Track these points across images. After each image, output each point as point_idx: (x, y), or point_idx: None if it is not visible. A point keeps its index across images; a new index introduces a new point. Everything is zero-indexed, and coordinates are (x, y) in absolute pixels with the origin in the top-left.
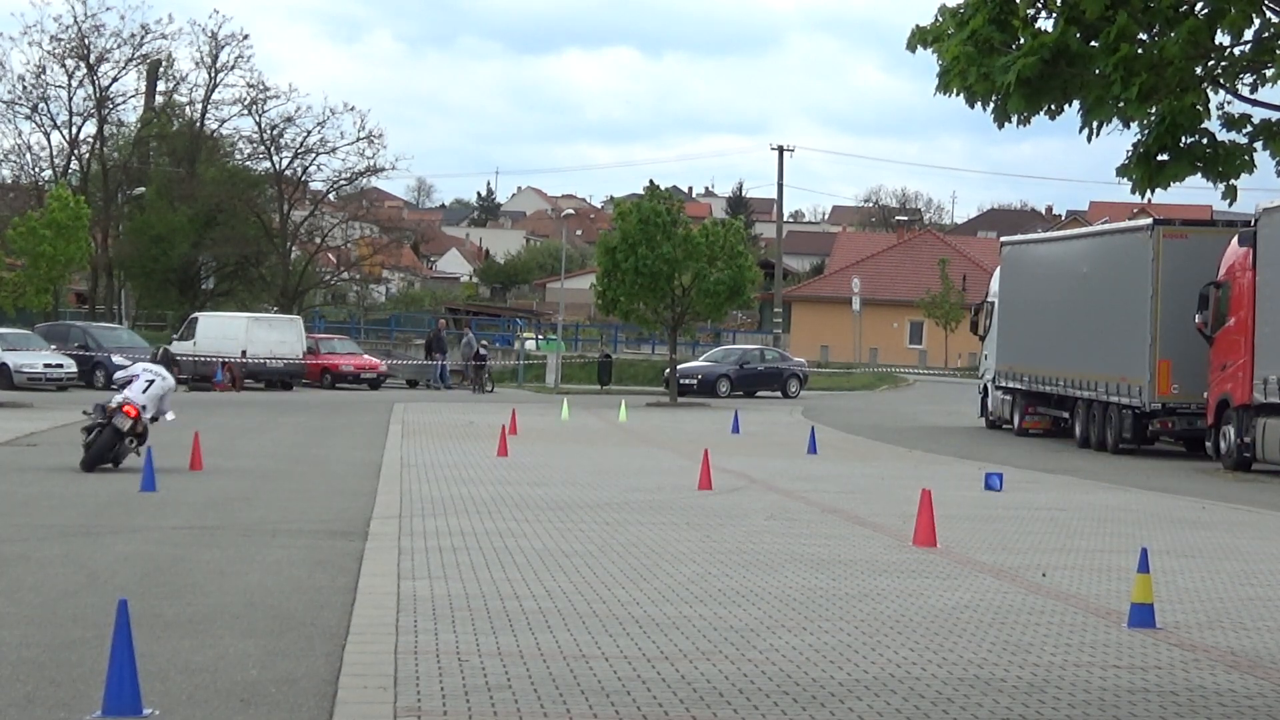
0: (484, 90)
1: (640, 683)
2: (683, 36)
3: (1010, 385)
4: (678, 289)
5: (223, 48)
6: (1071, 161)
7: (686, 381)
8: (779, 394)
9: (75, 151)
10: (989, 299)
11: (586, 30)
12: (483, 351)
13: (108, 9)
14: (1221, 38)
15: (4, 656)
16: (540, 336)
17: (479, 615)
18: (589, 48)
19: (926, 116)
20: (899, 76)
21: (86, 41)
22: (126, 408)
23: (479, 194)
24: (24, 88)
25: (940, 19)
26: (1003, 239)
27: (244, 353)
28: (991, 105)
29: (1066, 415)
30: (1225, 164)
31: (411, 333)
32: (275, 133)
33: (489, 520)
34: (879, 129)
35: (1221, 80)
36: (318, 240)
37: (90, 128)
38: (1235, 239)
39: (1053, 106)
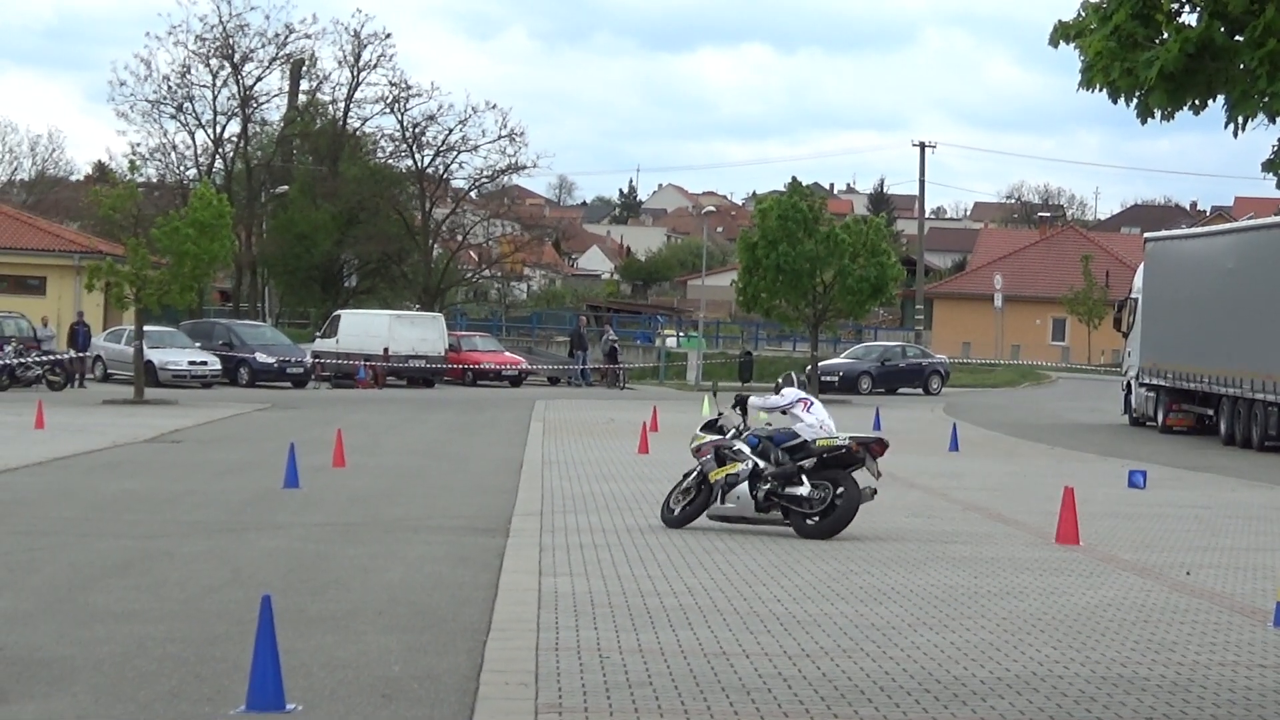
0: (618, 87)
1: (781, 680)
2: (815, 32)
3: (1154, 382)
4: (819, 286)
5: (365, 47)
6: (1210, 157)
7: (827, 379)
8: (920, 391)
9: (219, 150)
10: (1133, 295)
11: (719, 27)
12: (615, 347)
13: (252, 9)
14: None
15: (150, 651)
16: (681, 334)
17: (619, 612)
18: (722, 44)
19: (1062, 112)
20: (1033, 71)
21: (231, 41)
22: (880, 447)
23: (620, 191)
24: (169, 87)
25: (1083, 14)
26: (1147, 235)
27: (386, 350)
28: (1135, 101)
29: (1211, 412)
30: None
31: (553, 330)
32: (417, 131)
33: (629, 517)
34: (1014, 124)
35: None
36: (459, 238)
37: (234, 127)
38: None
39: (1196, 102)
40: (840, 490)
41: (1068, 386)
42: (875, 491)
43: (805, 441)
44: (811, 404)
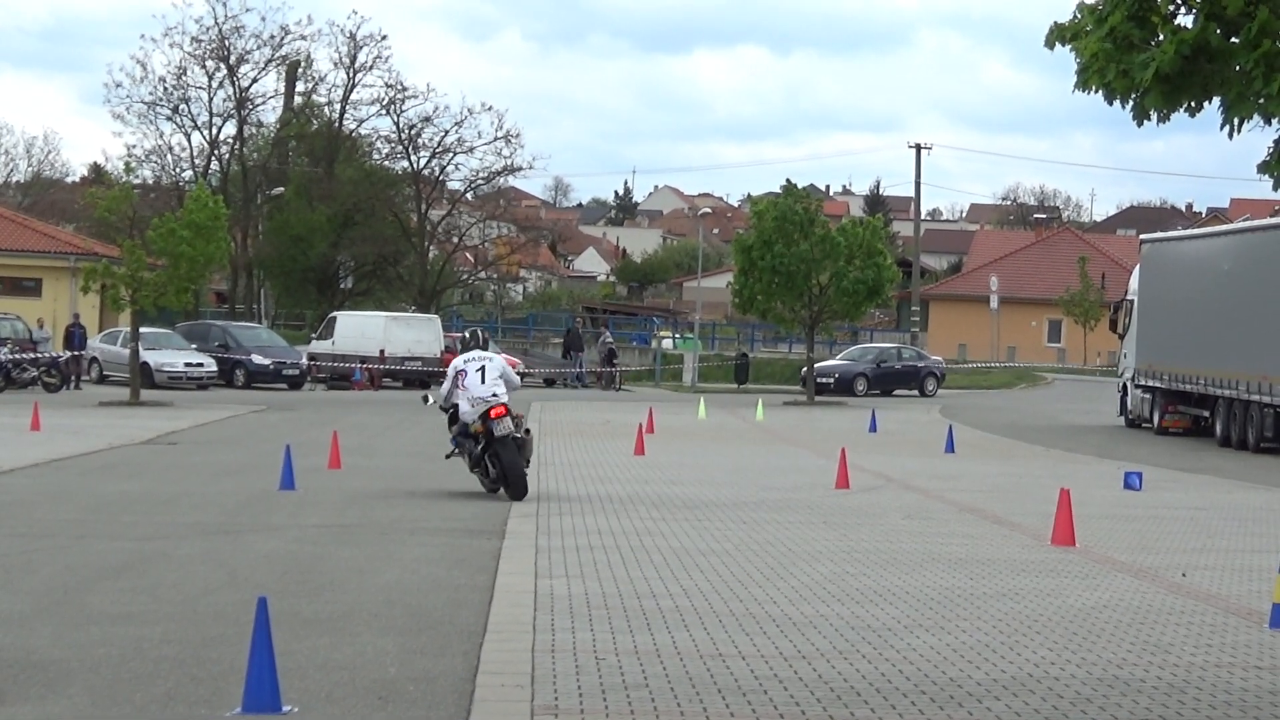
0: (613, 89)
1: (777, 682)
2: (810, 34)
3: (1150, 384)
4: (815, 288)
5: (361, 48)
6: (1205, 158)
7: (823, 380)
8: (916, 392)
9: (215, 152)
10: (1128, 297)
11: (714, 28)
12: (613, 349)
13: (248, 10)
14: None
15: (146, 653)
16: (677, 335)
17: (616, 614)
18: (717, 46)
19: (1057, 113)
20: (1028, 73)
21: (227, 43)
22: (495, 410)
23: (616, 193)
24: (165, 89)
25: (1078, 16)
26: (1143, 236)
27: (382, 352)
28: (1131, 102)
29: (1207, 414)
30: None
31: (549, 332)
32: (413, 132)
33: (626, 519)
34: (1009, 126)
35: None
36: (455, 239)
37: (230, 128)
38: None
39: (1192, 103)
40: (502, 462)
41: (1063, 388)
42: (528, 430)
43: (463, 422)
44: (466, 376)
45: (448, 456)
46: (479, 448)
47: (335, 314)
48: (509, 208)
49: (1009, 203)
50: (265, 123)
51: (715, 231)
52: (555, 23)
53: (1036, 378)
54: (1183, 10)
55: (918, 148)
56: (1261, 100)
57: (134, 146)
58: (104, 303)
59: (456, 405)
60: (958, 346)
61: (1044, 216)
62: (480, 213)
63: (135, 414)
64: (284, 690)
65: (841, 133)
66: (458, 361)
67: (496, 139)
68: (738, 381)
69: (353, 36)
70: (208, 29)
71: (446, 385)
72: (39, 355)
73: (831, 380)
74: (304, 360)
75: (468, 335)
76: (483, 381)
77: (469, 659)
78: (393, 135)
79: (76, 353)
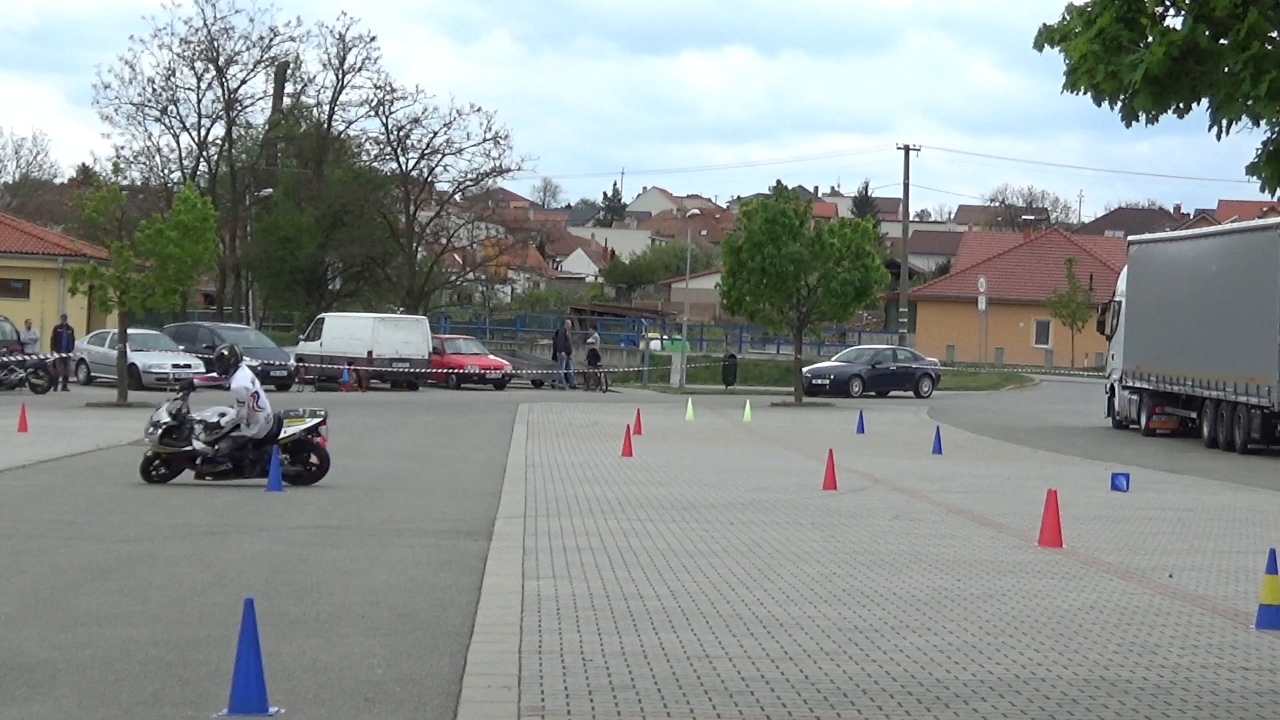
0: (601, 90)
1: (764, 683)
2: (798, 35)
3: (1137, 385)
4: (803, 289)
5: (350, 50)
6: (1191, 159)
7: (819, 382)
8: (911, 394)
9: (204, 153)
10: (1116, 298)
11: (701, 29)
12: (595, 350)
13: (237, 11)
14: None
15: (133, 655)
16: (665, 337)
17: (603, 615)
18: (704, 47)
19: (1044, 115)
20: (1014, 74)
21: (215, 44)
22: (323, 422)
23: (604, 194)
24: (154, 90)
25: (1067, 17)
26: (1130, 238)
27: (370, 353)
28: (1119, 104)
29: (1194, 415)
30: None
31: (537, 333)
32: (402, 134)
33: (613, 520)
34: (995, 127)
35: None
36: (444, 241)
37: (219, 130)
38: None
39: (1181, 105)
40: (308, 459)
41: (1051, 389)
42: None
43: (254, 437)
44: (260, 398)
45: (222, 474)
46: (263, 449)
47: (323, 315)
48: (497, 209)
49: (997, 204)
50: (254, 124)
51: (703, 233)
52: (543, 24)
53: (1024, 379)
54: (1171, 12)
55: (906, 149)
56: (1250, 102)
57: (122, 148)
58: (92, 304)
59: (190, 422)
60: (946, 347)
61: (1032, 218)
62: (469, 214)
63: (123, 415)
64: (271, 691)
65: (829, 134)
66: (246, 384)
67: (485, 140)
68: (725, 383)
69: (341, 38)
70: (196, 30)
71: (245, 408)
72: (26, 356)
73: (827, 382)
74: (291, 361)
75: (226, 353)
76: (264, 395)
77: (456, 660)
78: (381, 137)
79: (64, 354)
